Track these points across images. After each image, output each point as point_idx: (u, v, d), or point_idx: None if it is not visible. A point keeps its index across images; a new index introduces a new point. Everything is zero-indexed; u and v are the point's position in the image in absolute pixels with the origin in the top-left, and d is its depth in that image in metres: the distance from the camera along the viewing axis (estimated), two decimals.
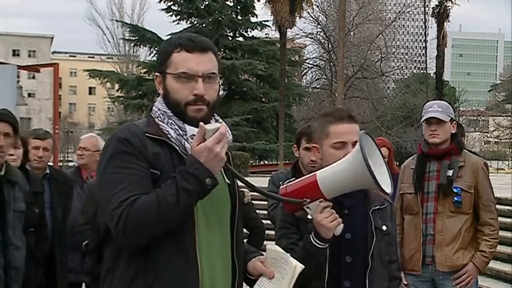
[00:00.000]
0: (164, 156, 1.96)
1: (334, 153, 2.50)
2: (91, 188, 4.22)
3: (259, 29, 29.72)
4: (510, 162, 45.69)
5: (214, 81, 2.06)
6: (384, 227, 2.60)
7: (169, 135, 1.99)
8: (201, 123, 1.91)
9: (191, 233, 1.93)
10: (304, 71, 36.80)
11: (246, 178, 2.13)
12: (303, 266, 2.08)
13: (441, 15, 27.87)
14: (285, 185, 2.35)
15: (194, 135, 1.97)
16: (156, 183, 1.91)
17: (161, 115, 2.04)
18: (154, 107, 2.08)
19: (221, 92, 28.91)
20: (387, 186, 2.22)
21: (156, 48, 28.96)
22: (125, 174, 1.91)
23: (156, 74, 2.10)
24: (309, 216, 2.33)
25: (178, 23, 29.47)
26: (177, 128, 2.00)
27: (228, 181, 2.07)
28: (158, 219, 1.85)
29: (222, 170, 2.01)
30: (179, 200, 1.86)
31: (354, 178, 2.17)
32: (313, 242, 2.38)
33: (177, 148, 1.98)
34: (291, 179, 2.43)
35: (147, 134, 1.98)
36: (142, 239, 1.88)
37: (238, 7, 29.52)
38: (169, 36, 2.16)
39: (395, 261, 2.71)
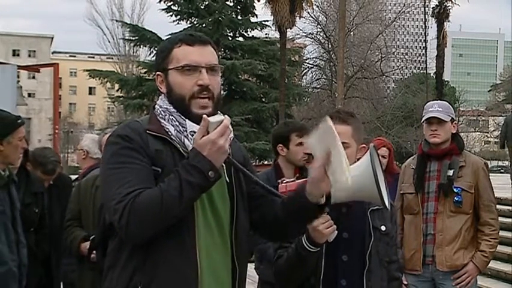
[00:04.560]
0: (166, 153, 1.96)
1: None
2: (78, 186, 4.25)
3: (259, 29, 29.64)
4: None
5: (217, 73, 2.07)
6: (383, 227, 2.60)
7: (169, 133, 1.99)
8: (205, 116, 1.91)
9: (191, 231, 1.93)
10: (304, 71, 36.73)
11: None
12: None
13: (441, 15, 27.84)
14: (284, 184, 2.35)
15: (194, 131, 1.97)
16: (158, 181, 1.90)
17: (162, 112, 2.04)
18: (156, 105, 2.08)
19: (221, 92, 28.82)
20: (388, 201, 2.23)
21: (156, 48, 28.93)
22: (128, 169, 1.90)
23: (158, 73, 2.09)
24: None
25: (178, 23, 29.41)
26: (177, 124, 2.00)
27: (227, 179, 2.06)
28: (162, 213, 1.84)
29: (224, 166, 2.01)
30: (182, 193, 1.85)
31: (359, 190, 2.16)
32: (305, 245, 2.39)
33: (178, 146, 1.98)
34: (291, 179, 2.42)
35: (148, 131, 1.98)
36: (146, 232, 1.87)
37: (238, 7, 29.46)
38: (168, 37, 2.16)
39: (395, 262, 2.71)
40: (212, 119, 1.91)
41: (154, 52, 29.56)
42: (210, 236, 1.98)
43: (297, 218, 2.11)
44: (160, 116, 2.03)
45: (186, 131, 1.99)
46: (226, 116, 1.95)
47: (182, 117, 2.01)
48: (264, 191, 2.17)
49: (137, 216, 1.84)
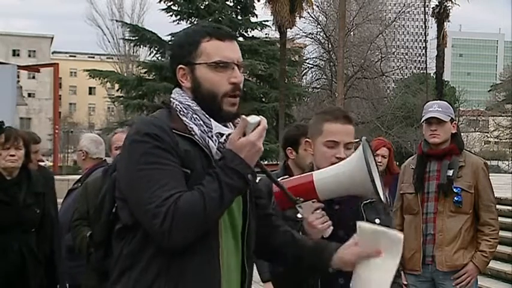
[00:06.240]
0: (194, 155, 1.87)
1: (325, 152, 2.51)
2: (85, 186, 4.24)
3: (259, 29, 29.69)
4: (510, 162, 45.67)
5: (241, 70, 2.02)
6: (377, 220, 2.59)
7: (193, 132, 1.90)
8: (243, 116, 1.87)
9: (216, 236, 1.88)
10: (304, 71, 36.72)
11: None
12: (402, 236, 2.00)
13: (441, 15, 27.91)
14: (280, 181, 2.35)
15: (220, 133, 1.91)
16: (187, 183, 1.82)
17: (184, 109, 1.93)
18: (173, 100, 1.97)
19: None
20: (382, 194, 2.24)
21: (156, 48, 28.94)
22: (163, 171, 1.80)
23: (180, 66, 1.97)
24: (299, 215, 2.32)
25: (178, 23, 29.43)
26: (201, 123, 1.92)
27: None
28: (205, 217, 1.78)
29: None
30: (223, 196, 1.79)
31: (352, 184, 2.16)
32: None
33: (203, 147, 1.89)
34: (285, 177, 2.42)
35: (174, 131, 1.87)
36: (189, 237, 1.79)
37: (238, 7, 29.49)
38: (169, 33, 2.10)
39: None
40: (250, 119, 1.86)
41: (155, 52, 29.75)
42: (227, 238, 1.94)
43: (301, 263, 2.17)
44: (182, 113, 1.93)
45: (212, 131, 1.92)
46: (261, 117, 1.90)
47: (207, 116, 1.92)
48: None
49: (181, 221, 1.75)
